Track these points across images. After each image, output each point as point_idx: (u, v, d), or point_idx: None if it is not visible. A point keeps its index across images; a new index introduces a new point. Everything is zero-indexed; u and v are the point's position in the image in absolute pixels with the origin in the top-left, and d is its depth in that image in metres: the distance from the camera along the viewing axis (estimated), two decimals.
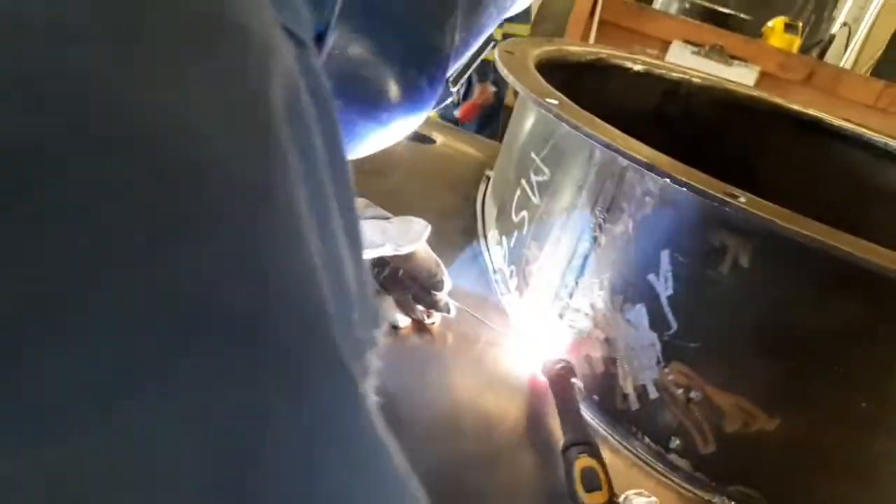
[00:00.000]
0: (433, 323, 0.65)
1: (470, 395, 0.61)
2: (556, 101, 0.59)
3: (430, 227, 0.60)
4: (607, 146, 0.52)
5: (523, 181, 0.67)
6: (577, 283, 0.60)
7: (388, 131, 0.38)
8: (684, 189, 0.48)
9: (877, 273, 0.45)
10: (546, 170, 0.64)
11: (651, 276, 0.54)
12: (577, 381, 0.57)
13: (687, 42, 2.44)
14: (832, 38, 2.92)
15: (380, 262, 0.64)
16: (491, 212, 0.76)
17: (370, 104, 0.37)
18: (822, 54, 2.79)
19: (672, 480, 0.57)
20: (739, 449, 0.55)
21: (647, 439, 0.58)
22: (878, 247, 0.45)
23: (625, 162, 0.55)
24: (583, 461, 0.49)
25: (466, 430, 0.59)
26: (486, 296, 0.69)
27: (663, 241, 0.53)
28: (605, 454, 0.59)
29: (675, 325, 0.54)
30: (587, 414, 0.61)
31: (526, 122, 0.70)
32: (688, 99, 1.05)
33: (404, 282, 0.64)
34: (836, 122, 1.02)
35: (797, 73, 2.43)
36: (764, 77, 2.40)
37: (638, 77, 1.01)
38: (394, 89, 0.37)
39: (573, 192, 0.60)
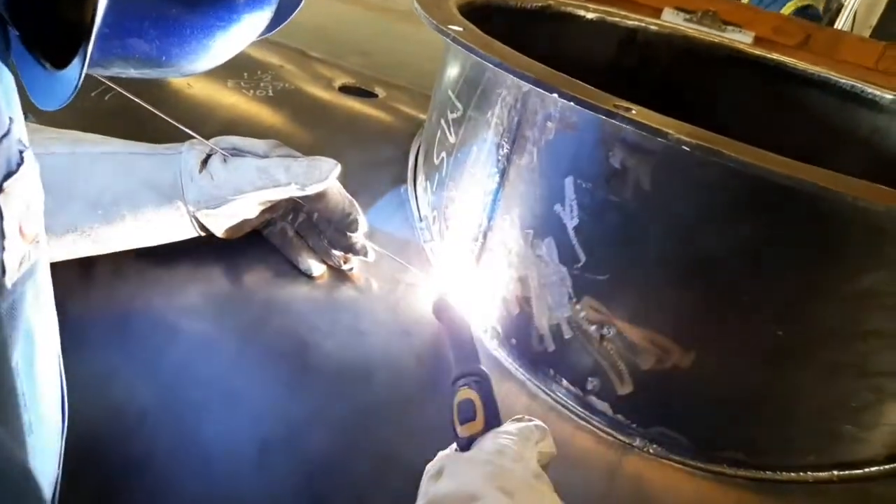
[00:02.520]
0: (350, 269, 0.62)
1: (382, 342, 0.58)
2: (459, 28, 0.55)
3: (339, 166, 0.57)
4: (499, 66, 0.49)
5: (442, 121, 0.64)
6: (489, 222, 0.57)
7: (241, 28, 0.36)
8: (573, 104, 0.45)
9: (781, 186, 0.42)
10: (459, 105, 0.61)
11: (557, 207, 0.51)
12: (464, 310, 0.54)
13: (679, 9, 2.38)
14: (840, 5, 2.83)
15: (294, 208, 0.62)
16: (420, 160, 0.73)
17: (216, 4, 0.35)
18: (831, 22, 2.71)
19: (592, 424, 0.55)
20: (657, 388, 0.52)
21: (565, 382, 0.55)
22: (779, 156, 0.42)
23: (526, 86, 0.52)
24: (462, 394, 0.46)
25: (378, 378, 0.56)
26: (409, 242, 0.66)
27: (566, 167, 0.50)
28: (523, 399, 0.56)
29: (583, 257, 0.51)
30: (505, 357, 0.58)
31: (445, 62, 0.67)
32: (645, 48, 1.00)
33: (319, 226, 0.62)
34: (801, 65, 0.97)
35: (793, 38, 2.35)
36: (759, 42, 2.34)
37: (591, 25, 0.97)
38: None
39: (481, 125, 0.57)
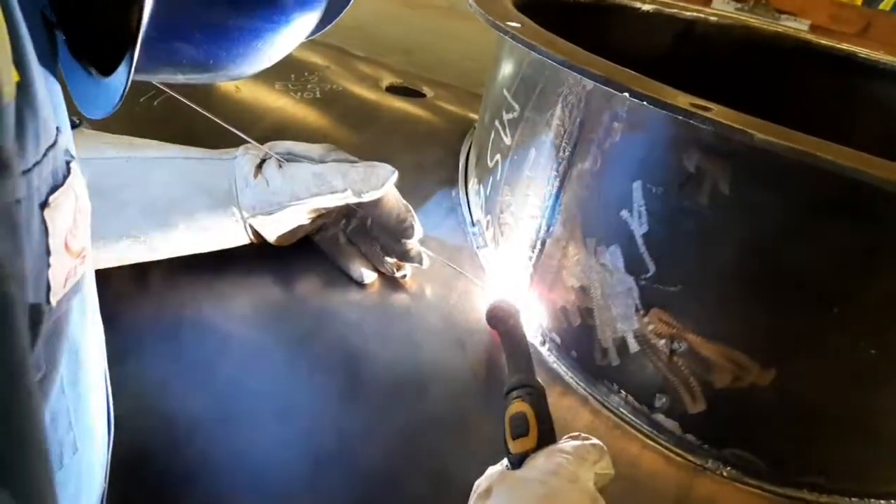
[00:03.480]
0: (404, 276, 0.60)
1: (436, 353, 0.56)
2: (517, 24, 0.53)
3: (396, 172, 0.56)
4: (563, 64, 0.46)
5: (496, 122, 0.62)
6: (549, 229, 0.55)
7: (290, 29, 0.34)
8: (646, 104, 0.42)
9: (878, 189, 0.38)
10: (516, 105, 0.58)
11: (624, 213, 0.48)
12: (520, 318, 0.52)
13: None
14: None
15: (348, 213, 0.60)
16: (472, 162, 0.70)
17: (265, 6, 0.33)
18: None
19: (659, 443, 0.51)
20: (732, 407, 0.48)
21: (630, 398, 0.52)
22: (877, 158, 0.38)
23: (590, 85, 0.49)
24: (515, 407, 0.43)
25: (432, 391, 0.54)
26: (462, 248, 0.63)
27: (634, 171, 0.47)
28: (585, 415, 0.53)
29: (652, 268, 0.48)
30: (565, 371, 0.55)
31: (500, 59, 0.64)
32: (703, 40, 0.96)
33: (373, 232, 0.60)
34: (873, 55, 0.91)
35: (852, 25, 2.25)
36: (815, 31, 2.24)
37: (646, 18, 0.93)
38: None
39: (540, 126, 0.54)
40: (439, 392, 0.53)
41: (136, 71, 0.30)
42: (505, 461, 0.43)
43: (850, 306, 0.42)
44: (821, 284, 0.43)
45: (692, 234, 0.46)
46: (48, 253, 0.25)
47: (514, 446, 0.41)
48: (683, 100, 0.41)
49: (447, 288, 0.60)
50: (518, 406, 0.43)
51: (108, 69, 0.31)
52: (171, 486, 0.54)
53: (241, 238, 0.57)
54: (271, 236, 0.57)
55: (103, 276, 0.57)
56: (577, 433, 0.42)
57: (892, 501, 0.49)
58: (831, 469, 0.48)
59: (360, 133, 0.76)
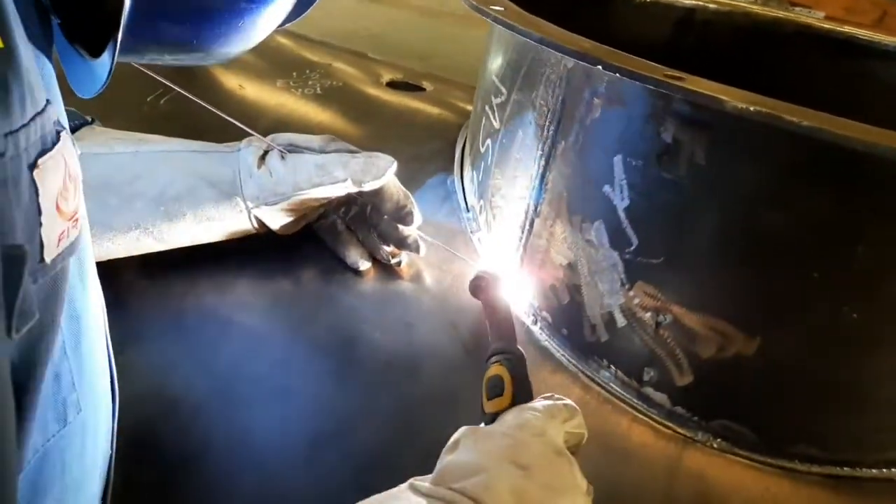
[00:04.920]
0: (398, 264, 0.61)
1: (429, 334, 0.57)
2: (500, 7, 0.54)
3: (395, 163, 0.57)
4: (541, 41, 0.47)
5: (486, 107, 0.63)
6: (536, 208, 0.55)
7: (271, 8, 0.36)
8: (619, 76, 0.42)
9: (852, 153, 0.38)
10: (503, 89, 0.59)
11: (607, 188, 0.49)
12: (502, 288, 0.53)
13: None
14: None
15: (348, 200, 0.61)
16: (466, 150, 0.71)
17: None
18: None
19: (650, 416, 0.52)
20: (719, 377, 0.49)
21: (619, 373, 0.53)
22: (847, 120, 0.38)
23: (570, 63, 0.50)
24: (492, 370, 0.44)
25: (424, 370, 0.55)
26: (456, 233, 0.64)
27: (614, 145, 0.48)
28: (576, 391, 0.54)
29: (635, 241, 0.48)
30: (556, 348, 0.56)
31: (489, 48, 0.65)
32: (704, 27, 0.96)
33: (372, 220, 0.61)
34: (876, 37, 0.91)
35: (867, 15, 2.22)
36: (830, 22, 2.22)
37: (644, 8, 0.94)
38: None
39: (525, 107, 0.55)
40: (431, 370, 0.54)
41: (123, 51, 0.32)
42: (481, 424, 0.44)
43: (830, 271, 0.43)
44: (799, 250, 0.43)
45: (672, 205, 0.46)
46: (39, 212, 0.27)
47: (488, 406, 0.42)
48: (657, 71, 0.42)
49: (441, 272, 0.61)
50: (495, 370, 0.44)
51: (98, 52, 0.33)
52: (178, 464, 0.56)
53: (246, 228, 0.58)
54: (275, 225, 0.59)
55: (112, 267, 0.59)
56: (550, 394, 0.43)
57: (885, 470, 0.48)
58: (822, 438, 0.48)
59: (360, 126, 0.77)
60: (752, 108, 0.38)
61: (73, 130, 0.58)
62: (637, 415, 0.52)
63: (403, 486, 0.36)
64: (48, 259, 0.28)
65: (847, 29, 0.92)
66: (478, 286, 0.53)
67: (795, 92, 0.95)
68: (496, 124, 0.60)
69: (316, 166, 0.55)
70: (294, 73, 0.86)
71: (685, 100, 0.43)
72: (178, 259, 0.61)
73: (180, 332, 0.60)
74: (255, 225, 0.58)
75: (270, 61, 0.90)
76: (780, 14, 0.97)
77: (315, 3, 0.40)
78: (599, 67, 0.43)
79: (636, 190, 0.47)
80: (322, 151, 0.57)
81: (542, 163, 0.54)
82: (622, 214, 0.48)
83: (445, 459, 0.38)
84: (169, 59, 0.38)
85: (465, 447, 0.38)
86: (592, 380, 0.54)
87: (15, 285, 0.24)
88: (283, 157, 0.56)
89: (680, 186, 0.45)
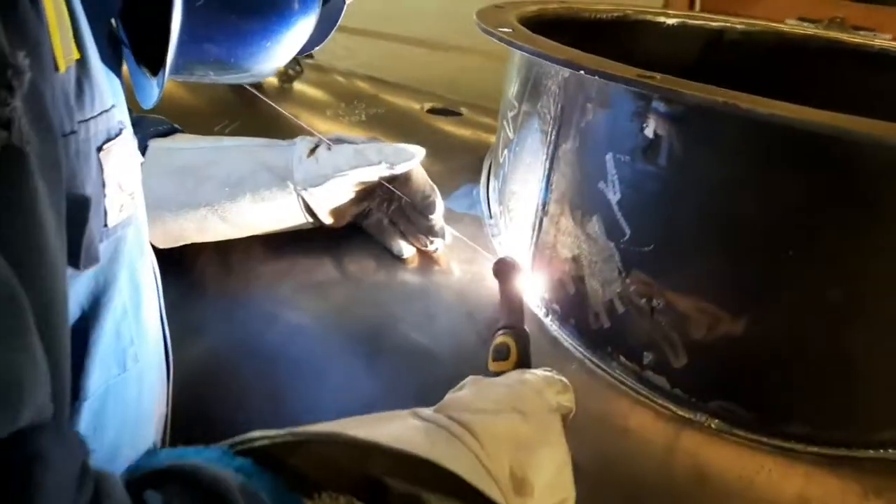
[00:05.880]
0: (436, 249, 0.67)
1: (448, 324, 0.62)
2: (508, 29, 0.60)
3: (423, 150, 0.64)
4: (534, 53, 0.53)
5: (504, 121, 0.69)
6: (544, 208, 0.60)
7: (295, 31, 0.44)
8: (598, 79, 0.48)
9: (810, 136, 0.42)
10: (516, 103, 0.65)
11: (601, 184, 0.54)
12: (519, 274, 0.57)
13: (802, 19, 2.27)
14: None
15: (389, 198, 0.68)
16: (491, 162, 0.77)
17: (270, 13, 0.43)
18: None
19: (650, 399, 0.55)
20: (711, 358, 0.51)
21: (621, 358, 0.56)
22: (799, 105, 0.42)
23: (566, 73, 0.55)
24: (499, 340, 0.49)
25: (442, 357, 0.60)
26: (479, 238, 0.70)
27: (605, 144, 0.53)
28: (582, 377, 0.58)
29: (628, 231, 0.53)
30: (565, 337, 0.60)
31: (508, 70, 0.71)
32: (732, 49, 0.99)
33: (407, 211, 0.68)
34: None
35: None
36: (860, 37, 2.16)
37: (671, 31, 0.98)
38: None
39: (532, 117, 0.61)
40: (448, 356, 0.60)
41: (175, 71, 0.41)
42: None
43: (804, 249, 0.45)
44: (773, 230, 0.46)
45: (657, 195, 0.50)
46: (104, 185, 0.35)
47: (493, 367, 0.48)
48: (631, 72, 0.47)
49: (462, 270, 0.67)
50: (502, 339, 0.49)
51: (157, 71, 0.41)
52: (225, 438, 0.63)
53: (297, 212, 0.66)
54: (322, 211, 0.66)
55: (183, 264, 0.68)
56: (549, 368, 0.47)
57: (881, 451, 0.49)
58: (815, 417, 0.50)
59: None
60: (711, 98, 0.42)
61: (167, 134, 0.68)
62: (638, 397, 0.55)
63: (406, 411, 0.41)
64: (111, 224, 0.36)
65: (877, 42, 0.94)
66: (499, 269, 0.59)
67: (831, 106, 0.97)
68: (511, 135, 0.66)
69: (354, 151, 0.63)
70: (343, 104, 0.95)
71: (661, 98, 0.47)
72: (233, 263, 0.70)
73: (232, 325, 0.67)
74: (305, 212, 0.66)
75: (323, 95, 1.00)
76: (810, 31, 0.99)
77: (333, 32, 0.48)
78: (582, 72, 0.49)
79: (626, 184, 0.52)
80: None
81: (547, 165, 0.59)
82: (615, 207, 0.53)
83: (450, 396, 0.43)
84: (213, 77, 0.46)
85: (469, 390, 0.43)
86: (598, 366, 0.57)
87: (81, 224, 0.31)
88: (329, 148, 0.65)
89: (663, 178, 0.49)
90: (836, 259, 0.45)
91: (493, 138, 0.87)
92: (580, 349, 0.59)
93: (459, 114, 0.96)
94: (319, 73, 1.14)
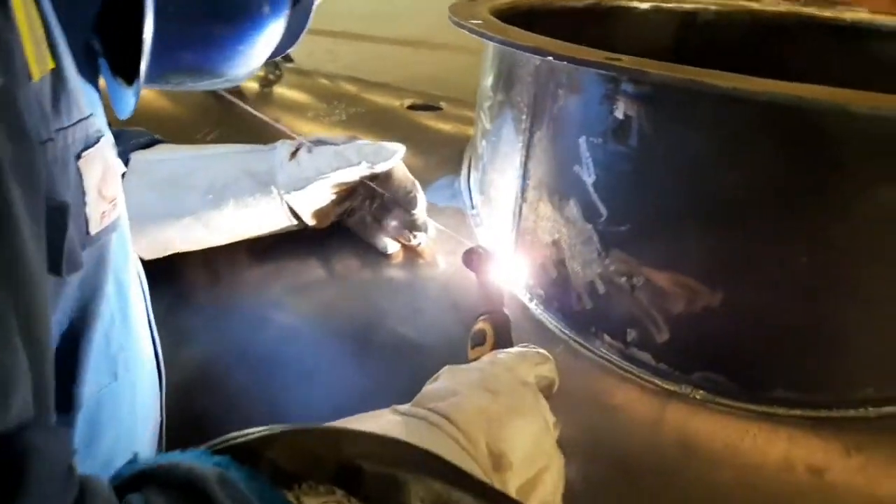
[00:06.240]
0: (419, 244, 0.68)
1: (434, 316, 0.63)
2: (479, 21, 0.61)
3: (403, 148, 0.65)
4: (503, 42, 0.54)
5: (481, 113, 0.70)
6: (522, 194, 0.61)
7: (266, 35, 0.44)
8: (568, 65, 0.49)
9: (785, 108, 0.43)
10: (491, 93, 0.66)
11: (576, 167, 0.55)
12: (492, 261, 0.59)
13: None
14: None
15: (371, 196, 0.69)
16: (471, 154, 0.78)
17: (241, 18, 0.44)
18: None
19: (636, 375, 0.56)
20: (692, 331, 0.53)
21: (606, 337, 0.57)
22: (765, 79, 0.43)
23: (538, 61, 0.56)
24: (478, 326, 0.50)
25: (429, 349, 0.61)
26: (461, 228, 0.71)
27: (578, 128, 0.54)
28: (569, 358, 0.59)
29: (604, 212, 0.54)
30: (550, 321, 0.61)
31: (483, 63, 0.72)
32: (707, 30, 1.00)
33: (388, 207, 0.69)
34: (879, 20, 0.92)
35: None
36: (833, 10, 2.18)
37: (646, 16, 0.99)
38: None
39: (507, 106, 0.62)
40: (436, 347, 0.60)
41: (151, 79, 0.41)
42: None
43: (777, 220, 0.47)
44: (748, 204, 0.47)
45: (630, 175, 0.51)
46: (84, 193, 0.35)
47: (471, 354, 0.49)
48: (599, 55, 0.48)
49: (447, 261, 0.68)
50: (480, 325, 0.50)
51: (132, 80, 0.42)
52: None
53: (281, 216, 0.67)
54: (306, 213, 0.67)
55: (171, 273, 0.69)
56: (526, 343, 0.48)
57: (869, 408, 0.51)
58: (797, 382, 0.51)
59: (379, 140, 0.85)
60: (676, 76, 0.43)
61: (148, 146, 0.69)
62: (624, 374, 0.56)
63: (386, 409, 0.42)
64: (93, 232, 0.36)
65: (848, 16, 0.95)
66: (469, 259, 0.59)
67: (807, 80, 0.98)
68: (488, 126, 0.67)
69: (335, 153, 0.64)
70: (324, 105, 0.96)
71: (629, 79, 0.48)
72: (222, 271, 0.71)
73: (222, 331, 0.68)
74: (289, 215, 0.66)
75: (304, 97, 1.01)
76: (783, 8, 1.00)
77: (304, 34, 0.49)
78: (551, 58, 0.50)
79: (600, 166, 0.53)
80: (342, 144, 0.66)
81: (524, 153, 0.60)
82: (591, 189, 0.54)
83: (425, 388, 0.44)
84: (190, 84, 0.47)
85: (443, 379, 0.44)
86: (583, 346, 0.58)
87: (61, 231, 0.32)
88: (310, 151, 0.65)
89: (634, 157, 0.50)
90: (811, 228, 0.46)
91: (472, 130, 0.88)
92: (565, 331, 0.60)
93: (439, 108, 0.97)
94: (301, 76, 1.15)
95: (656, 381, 0.55)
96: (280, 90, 1.06)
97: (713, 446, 0.51)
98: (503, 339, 0.50)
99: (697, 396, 0.53)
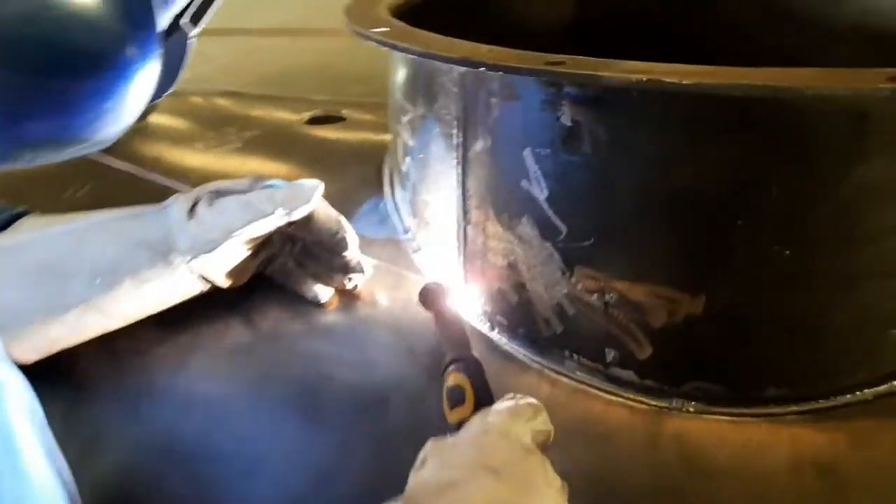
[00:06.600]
0: (356, 287, 0.60)
1: (391, 366, 0.56)
2: (385, 28, 0.53)
3: (322, 184, 0.57)
4: (424, 55, 0.47)
5: (398, 127, 0.62)
6: (465, 215, 0.55)
7: (135, 84, 0.35)
8: (502, 74, 0.42)
9: (743, 98, 0.38)
10: (409, 106, 0.59)
11: (524, 182, 0.49)
12: (450, 297, 0.53)
13: None
14: None
15: (291, 239, 0.60)
16: (393, 171, 0.71)
17: (101, 67, 0.34)
18: None
19: (622, 396, 0.51)
20: (677, 342, 0.48)
21: (582, 360, 0.52)
22: (730, 68, 0.38)
23: (461, 69, 0.49)
24: (451, 379, 0.44)
25: (393, 404, 0.54)
26: (398, 257, 0.64)
27: (520, 139, 0.48)
28: (544, 387, 0.54)
29: (563, 228, 0.48)
30: (517, 350, 0.55)
31: (391, 64, 0.65)
32: None
33: (314, 250, 0.60)
34: None
35: None
36: None
37: None
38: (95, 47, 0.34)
39: (431, 121, 0.55)
40: (398, 402, 0.53)
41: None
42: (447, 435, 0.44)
43: (751, 215, 0.43)
44: (717, 202, 0.43)
45: (587, 185, 0.46)
46: None
47: (452, 416, 0.42)
48: (537, 59, 0.42)
49: (391, 298, 0.60)
50: (453, 378, 0.44)
51: None
52: None
53: (190, 286, 0.57)
54: (219, 277, 0.57)
55: (65, 364, 0.57)
56: (512, 394, 0.43)
57: (865, 390, 0.49)
58: (789, 377, 0.48)
59: (283, 167, 0.76)
60: (632, 78, 0.38)
61: (9, 223, 0.57)
62: (609, 397, 0.52)
63: None
64: None
65: None
66: (426, 298, 0.53)
67: (717, 38, 0.96)
68: (410, 142, 0.60)
69: (242, 204, 0.55)
70: (211, 132, 0.85)
71: (573, 83, 0.43)
72: (136, 338, 0.59)
73: (139, 425, 0.58)
74: (199, 281, 0.57)
75: (186, 125, 0.89)
76: None
77: (181, 72, 0.40)
78: (484, 69, 0.43)
79: (551, 178, 0.47)
80: (249, 191, 0.57)
81: (460, 170, 0.53)
82: (545, 205, 0.48)
83: (414, 479, 0.38)
84: (49, 157, 0.37)
85: (432, 463, 0.38)
86: (558, 373, 0.53)
87: None
88: (210, 205, 0.55)
89: (590, 166, 0.45)
90: (785, 219, 0.43)
91: (380, 137, 0.81)
92: (536, 359, 0.54)
93: (342, 118, 0.88)
94: (176, 97, 1.02)
95: (644, 399, 0.51)
96: (157, 119, 0.93)
97: (716, 460, 0.48)
98: (482, 390, 0.44)
99: (691, 409, 0.50)
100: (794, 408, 0.48)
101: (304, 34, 1.86)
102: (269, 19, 1.93)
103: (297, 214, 0.55)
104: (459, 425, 0.42)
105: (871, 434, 0.47)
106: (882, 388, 0.48)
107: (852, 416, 0.48)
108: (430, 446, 0.40)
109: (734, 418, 0.49)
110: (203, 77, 1.07)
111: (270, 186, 0.57)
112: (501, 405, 0.42)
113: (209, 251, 0.54)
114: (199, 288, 0.57)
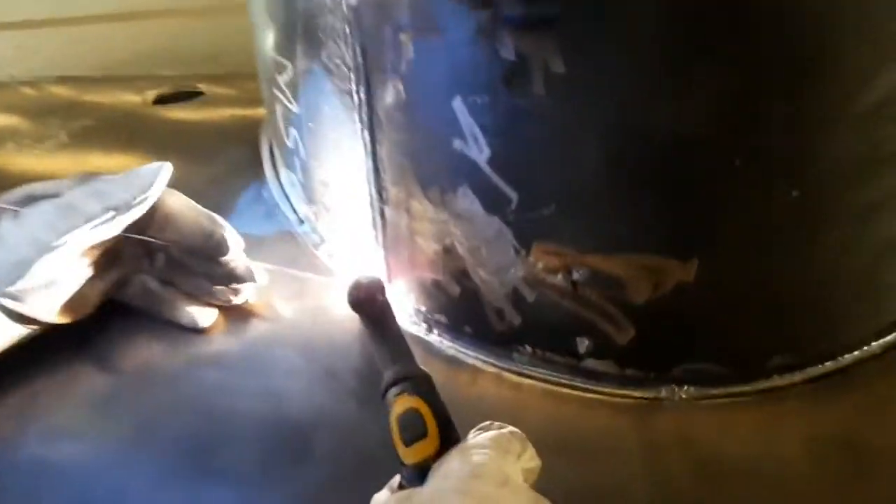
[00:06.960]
0: (246, 301, 0.47)
1: (308, 397, 0.44)
2: None
3: (168, 165, 0.42)
4: None
5: (275, 91, 0.49)
6: (381, 194, 0.43)
7: None
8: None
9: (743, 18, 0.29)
10: (286, 62, 0.45)
11: (457, 142, 0.37)
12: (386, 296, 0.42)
13: None
14: None
15: (147, 252, 0.45)
16: (274, 150, 0.57)
17: None
18: None
19: (600, 392, 0.42)
20: (665, 320, 0.40)
21: (548, 354, 0.43)
22: None
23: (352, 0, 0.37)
24: (400, 404, 0.33)
25: (318, 449, 0.42)
26: (297, 254, 0.51)
27: (448, 87, 0.36)
28: (506, 393, 0.43)
29: (514, 196, 0.37)
30: (464, 351, 0.45)
31: (254, 20, 0.51)
32: None
33: (184, 262, 0.46)
34: None
35: None
36: None
37: None
38: None
39: (318, 75, 0.42)
40: (324, 445, 0.41)
41: None
42: (396, 479, 0.32)
43: (751, 152, 0.34)
44: (709, 141, 0.34)
45: (543, 135, 0.35)
46: None
47: (410, 455, 0.31)
48: None
49: (294, 312, 0.47)
50: (405, 402, 0.33)
51: None
52: None
53: (7, 331, 0.41)
54: (49, 313, 0.42)
55: None
56: (486, 423, 0.32)
57: (865, 349, 0.42)
58: (793, 343, 0.41)
59: (128, 160, 0.60)
60: None
61: None
62: (586, 395, 0.42)
63: None
64: None
65: None
66: (358, 298, 0.41)
67: None
68: (293, 108, 0.47)
69: (58, 210, 0.39)
70: (32, 124, 0.67)
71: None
72: None
73: None
74: (20, 322, 0.41)
75: (8, 120, 0.70)
76: None
77: None
78: None
79: (492, 133, 0.36)
80: (70, 191, 0.41)
81: (367, 135, 0.41)
82: (487, 169, 0.37)
83: None
84: None
85: None
86: (521, 374, 0.43)
87: None
88: (16, 217, 0.40)
89: (543, 111, 0.34)
90: (790, 156, 0.34)
91: (251, 112, 0.66)
92: (490, 360, 0.44)
93: (199, 93, 0.72)
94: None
95: (628, 392, 0.42)
96: None
97: (725, 458, 0.40)
98: (441, 414, 0.33)
99: (684, 395, 0.41)
100: (801, 375, 0.41)
101: (142, 17, 1.63)
102: (101, 5, 1.68)
103: (138, 211, 0.40)
104: (422, 466, 0.31)
105: (886, 394, 0.41)
106: (890, 337, 0.42)
107: (861, 376, 0.42)
108: (394, 499, 0.29)
109: (737, 398, 0.41)
110: (33, 70, 0.86)
111: (99, 181, 0.41)
112: (482, 438, 0.31)
113: (18, 281, 0.38)
114: (20, 331, 0.41)
